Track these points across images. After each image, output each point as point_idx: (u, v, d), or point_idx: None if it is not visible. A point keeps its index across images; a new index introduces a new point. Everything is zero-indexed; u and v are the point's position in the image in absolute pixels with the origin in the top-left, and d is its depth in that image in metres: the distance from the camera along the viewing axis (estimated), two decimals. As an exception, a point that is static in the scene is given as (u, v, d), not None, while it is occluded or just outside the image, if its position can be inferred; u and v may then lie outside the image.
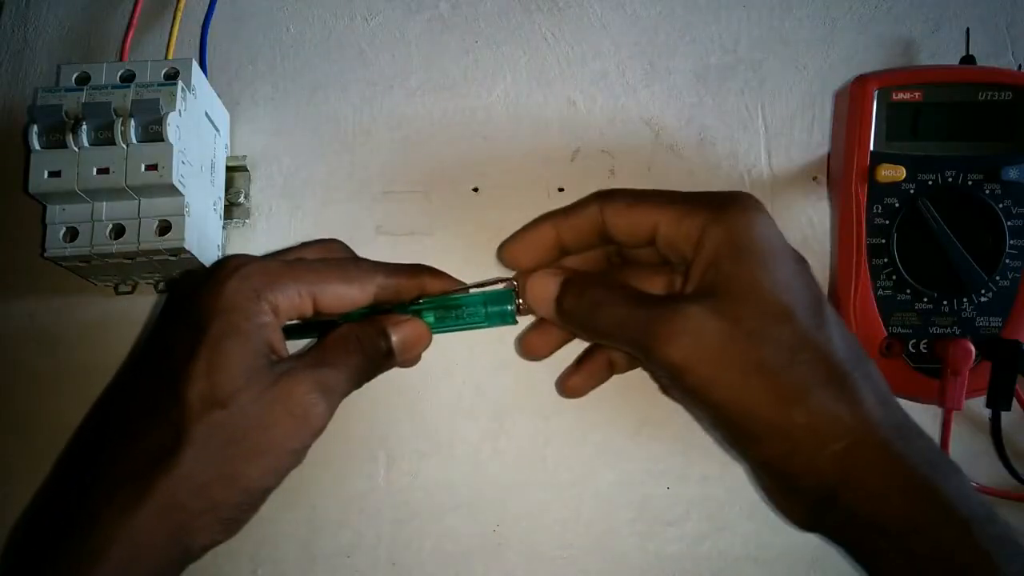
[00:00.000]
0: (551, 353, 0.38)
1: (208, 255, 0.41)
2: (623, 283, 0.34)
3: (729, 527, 0.40)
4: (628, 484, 0.41)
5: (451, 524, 0.41)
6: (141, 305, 0.43)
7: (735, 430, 0.31)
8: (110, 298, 0.44)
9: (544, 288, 0.34)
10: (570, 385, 0.38)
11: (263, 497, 0.31)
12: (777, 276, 0.30)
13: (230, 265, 0.31)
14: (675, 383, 0.31)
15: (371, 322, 0.34)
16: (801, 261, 0.32)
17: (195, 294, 0.31)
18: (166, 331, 0.31)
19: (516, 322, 0.36)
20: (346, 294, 0.33)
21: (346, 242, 0.37)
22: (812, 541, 0.40)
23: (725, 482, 0.41)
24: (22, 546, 0.30)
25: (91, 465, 0.29)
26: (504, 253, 0.36)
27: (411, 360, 0.36)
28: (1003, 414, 0.40)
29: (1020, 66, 0.46)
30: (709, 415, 0.31)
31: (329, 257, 0.35)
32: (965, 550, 0.28)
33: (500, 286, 0.36)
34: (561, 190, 0.45)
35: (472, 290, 0.36)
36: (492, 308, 0.36)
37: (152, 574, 0.28)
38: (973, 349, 0.39)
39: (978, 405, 0.40)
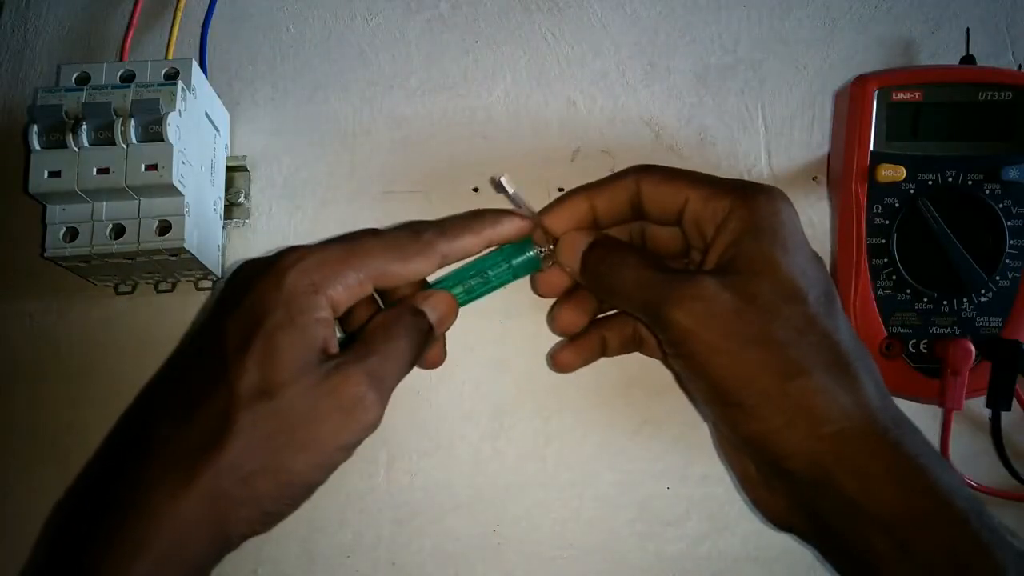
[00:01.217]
0: (582, 327, 0.38)
1: (208, 255, 0.41)
2: (646, 251, 0.36)
3: (729, 527, 0.40)
4: (628, 484, 0.41)
5: (451, 524, 0.41)
6: (141, 305, 0.43)
7: (729, 400, 0.30)
8: (110, 298, 0.44)
9: (575, 241, 0.35)
10: (560, 359, 0.38)
11: (307, 492, 0.31)
12: (795, 260, 0.31)
13: (291, 257, 0.31)
14: (678, 348, 0.31)
15: (403, 304, 0.33)
16: (819, 257, 0.33)
17: (254, 284, 0.30)
18: (222, 318, 0.31)
19: (541, 267, 0.36)
20: (409, 270, 0.33)
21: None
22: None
23: (725, 482, 0.41)
24: (64, 528, 0.30)
25: (138, 449, 0.29)
26: (544, 222, 0.36)
27: (428, 359, 0.36)
28: (1003, 414, 0.40)
29: (1020, 66, 0.46)
30: (705, 384, 0.31)
31: (388, 232, 0.34)
32: (966, 544, 0.28)
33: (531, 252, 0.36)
34: (561, 190, 0.44)
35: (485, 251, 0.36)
36: (516, 260, 0.35)
37: (194, 560, 0.29)
38: (973, 349, 0.39)
39: (978, 405, 0.40)
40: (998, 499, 0.40)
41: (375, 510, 0.41)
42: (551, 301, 0.40)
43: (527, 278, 0.38)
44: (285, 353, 0.29)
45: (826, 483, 0.29)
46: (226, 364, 0.29)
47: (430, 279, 0.36)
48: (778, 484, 0.31)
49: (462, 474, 0.41)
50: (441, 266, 0.34)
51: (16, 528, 0.40)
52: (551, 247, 0.36)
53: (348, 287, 0.31)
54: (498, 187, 0.37)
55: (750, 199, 0.32)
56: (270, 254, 0.32)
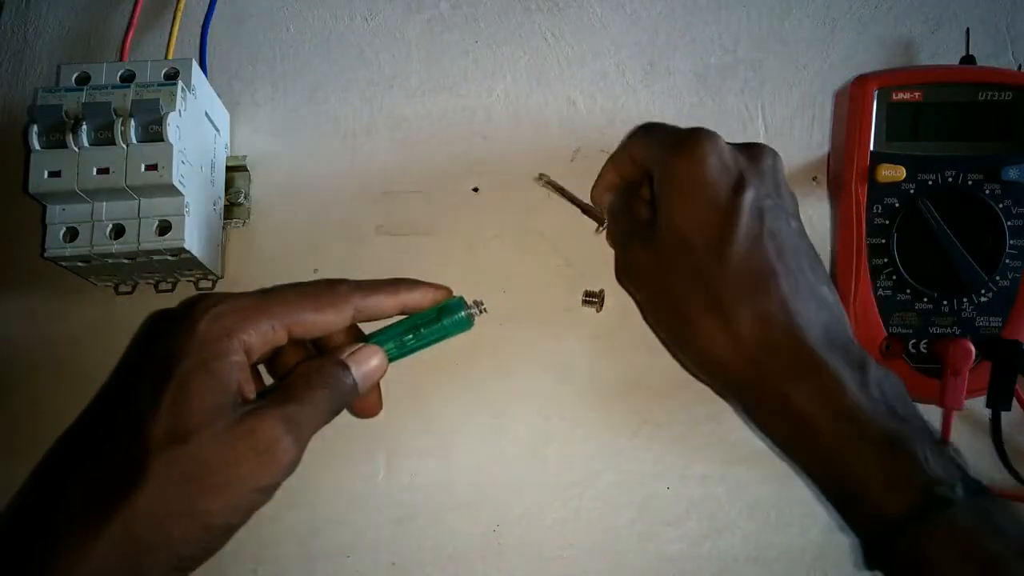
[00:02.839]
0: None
1: (208, 255, 0.41)
2: (636, 210, 0.39)
3: (729, 527, 0.40)
4: (628, 484, 0.41)
5: (451, 524, 0.41)
6: (141, 305, 0.43)
7: (665, 342, 0.39)
8: (110, 298, 0.44)
9: (604, 199, 0.42)
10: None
11: (225, 535, 0.30)
12: (689, 210, 0.35)
13: (203, 305, 0.31)
14: (636, 301, 0.39)
15: (329, 356, 0.34)
16: (737, 190, 0.35)
17: (167, 332, 0.31)
18: (135, 365, 0.32)
19: (472, 326, 0.38)
20: (321, 320, 0.33)
21: (346, 242, 0.37)
22: (812, 541, 0.40)
23: (725, 482, 0.41)
24: None
25: (51, 496, 0.29)
26: (592, 195, 0.43)
27: (362, 407, 0.36)
28: (1003, 414, 0.39)
29: (1020, 66, 0.46)
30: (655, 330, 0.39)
31: (304, 283, 0.35)
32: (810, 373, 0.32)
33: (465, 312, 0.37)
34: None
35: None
36: (447, 319, 0.37)
37: None
38: (973, 349, 0.39)
39: (978, 405, 0.40)
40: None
41: (375, 510, 0.41)
42: (551, 300, 0.40)
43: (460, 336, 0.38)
44: (197, 397, 0.29)
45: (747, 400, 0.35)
46: (139, 409, 0.29)
47: (368, 333, 0.37)
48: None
49: (462, 474, 0.41)
50: (355, 320, 0.34)
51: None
52: (482, 309, 0.38)
53: (261, 333, 0.31)
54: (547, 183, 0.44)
55: (669, 155, 0.36)
56: (182, 304, 0.32)
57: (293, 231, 0.45)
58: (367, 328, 0.37)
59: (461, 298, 0.37)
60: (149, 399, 0.29)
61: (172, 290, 0.44)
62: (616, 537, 0.40)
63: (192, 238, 0.39)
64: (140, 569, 0.28)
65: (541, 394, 0.42)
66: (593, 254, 0.43)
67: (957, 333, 0.40)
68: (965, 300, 0.40)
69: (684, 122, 0.46)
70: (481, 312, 0.38)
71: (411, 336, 0.36)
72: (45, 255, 0.38)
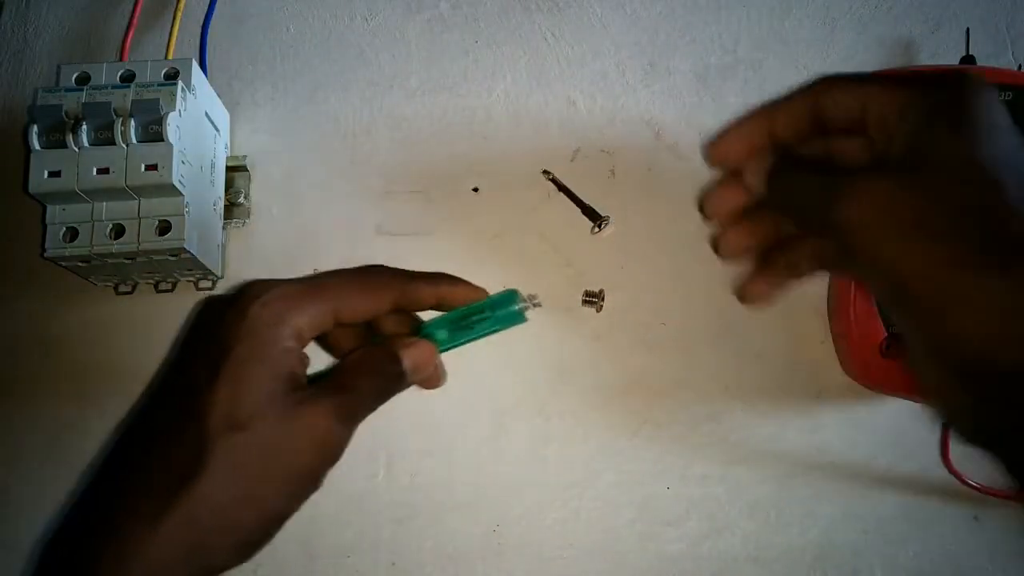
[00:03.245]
0: (748, 250, 0.35)
1: (208, 255, 0.41)
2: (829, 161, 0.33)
3: (729, 527, 0.40)
4: (628, 484, 0.41)
5: (451, 524, 0.41)
6: (141, 305, 0.43)
7: (920, 305, 0.28)
8: (110, 298, 0.44)
9: (759, 161, 0.33)
10: (751, 289, 0.36)
11: (281, 521, 0.31)
12: (986, 147, 0.28)
13: (252, 291, 0.31)
14: (855, 254, 0.29)
15: (382, 346, 0.34)
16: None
17: (219, 320, 0.31)
18: (189, 355, 0.32)
19: (526, 320, 0.36)
20: (365, 304, 0.33)
21: (346, 242, 0.37)
22: (812, 541, 0.40)
23: (725, 482, 0.41)
24: (44, 562, 0.31)
25: (116, 483, 0.30)
26: (713, 150, 0.34)
27: (423, 381, 0.36)
28: (1003, 414, 0.39)
29: (1020, 66, 0.46)
30: (891, 288, 0.28)
31: (347, 269, 0.35)
32: None
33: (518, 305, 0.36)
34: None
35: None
36: (500, 311, 0.36)
37: None
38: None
39: (978, 405, 0.40)
40: (998, 499, 0.40)
41: (375, 510, 0.41)
42: (550, 300, 0.40)
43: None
44: (253, 385, 0.30)
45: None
46: (197, 398, 0.30)
47: (426, 319, 0.37)
48: (979, 387, 0.28)
49: (462, 474, 0.41)
50: (396, 305, 0.34)
51: (17, 526, 0.40)
52: (535, 303, 0.36)
53: (310, 318, 0.32)
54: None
55: (937, 85, 0.29)
56: (231, 291, 0.32)
57: (293, 231, 0.45)
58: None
59: (516, 291, 0.36)
60: (206, 388, 0.30)
61: (172, 290, 0.44)
62: (616, 537, 0.40)
63: (192, 238, 0.39)
64: (204, 555, 0.29)
65: (541, 394, 0.42)
66: (593, 254, 0.43)
67: (957, 333, 0.40)
68: (965, 300, 0.40)
69: (684, 122, 0.46)
70: (535, 307, 0.37)
71: (464, 327, 0.36)
72: (45, 255, 0.38)
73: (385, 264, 0.35)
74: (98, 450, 0.40)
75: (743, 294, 0.36)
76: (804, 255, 0.36)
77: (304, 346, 0.32)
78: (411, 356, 0.34)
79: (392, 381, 0.34)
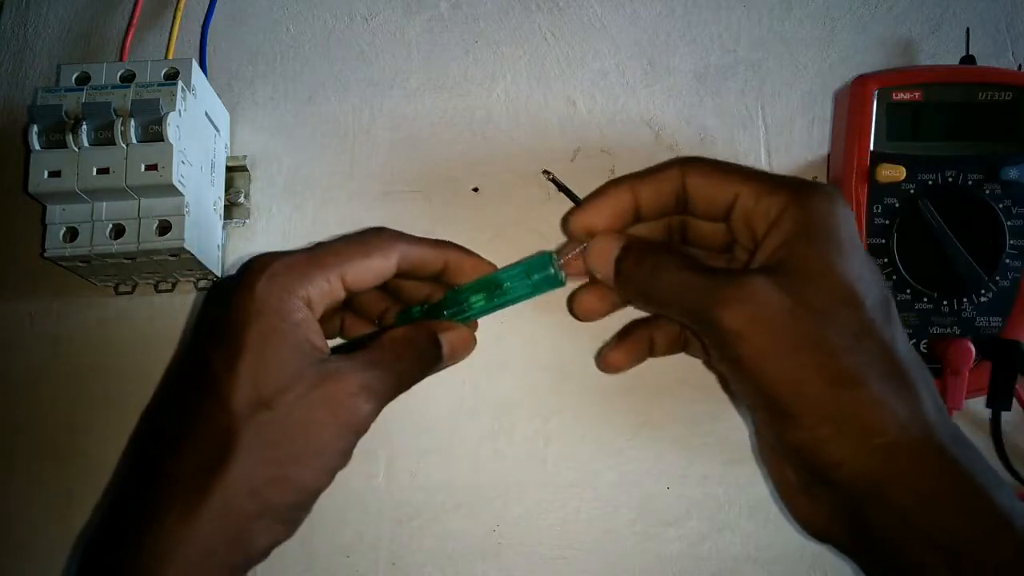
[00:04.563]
0: (605, 315, 0.37)
1: (208, 255, 0.41)
2: (684, 252, 0.34)
3: (729, 527, 0.40)
4: (628, 484, 0.41)
5: (451, 524, 0.41)
6: (141, 305, 0.43)
7: (777, 408, 0.29)
8: (110, 298, 0.44)
9: (607, 247, 0.34)
10: (610, 361, 0.37)
11: (315, 497, 0.31)
12: (851, 264, 0.30)
13: (256, 266, 0.31)
14: (726, 352, 0.30)
15: (423, 326, 0.34)
16: (874, 263, 0.31)
17: (228, 301, 0.31)
18: (203, 341, 0.31)
19: (564, 283, 0.35)
20: (370, 266, 0.33)
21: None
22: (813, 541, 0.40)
23: (725, 482, 0.41)
24: (86, 562, 0.30)
25: (145, 478, 0.30)
26: (576, 220, 0.35)
27: (456, 362, 0.36)
28: (1003, 414, 0.40)
29: (1020, 66, 0.46)
30: (753, 389, 0.30)
31: (349, 234, 0.34)
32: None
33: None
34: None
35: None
36: (536, 276, 0.35)
37: None
38: (973, 349, 0.39)
39: (978, 405, 0.40)
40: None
41: (375, 510, 0.41)
42: (550, 300, 0.40)
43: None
44: (273, 361, 0.29)
45: (877, 496, 0.28)
46: (219, 383, 0.29)
47: (454, 290, 0.36)
48: (821, 494, 0.30)
49: (462, 474, 0.41)
50: (400, 267, 0.34)
51: (17, 526, 0.40)
52: (560, 261, 0.35)
53: (318, 286, 0.31)
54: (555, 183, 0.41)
55: (806, 197, 0.31)
56: (237, 271, 0.32)
57: (293, 231, 0.45)
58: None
59: (551, 254, 0.35)
60: (225, 371, 0.29)
61: (172, 290, 0.44)
62: (616, 537, 0.40)
63: (192, 238, 0.39)
64: (243, 537, 0.29)
65: (541, 394, 0.42)
66: (593, 254, 0.43)
67: (957, 333, 0.40)
68: (965, 300, 0.40)
69: (684, 122, 0.46)
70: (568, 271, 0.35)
71: (499, 292, 0.35)
72: (45, 255, 0.38)
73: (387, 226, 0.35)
74: (98, 450, 0.41)
75: (602, 361, 0.38)
76: (664, 335, 0.37)
77: (317, 316, 0.32)
78: (451, 340, 0.34)
79: (429, 364, 0.33)
